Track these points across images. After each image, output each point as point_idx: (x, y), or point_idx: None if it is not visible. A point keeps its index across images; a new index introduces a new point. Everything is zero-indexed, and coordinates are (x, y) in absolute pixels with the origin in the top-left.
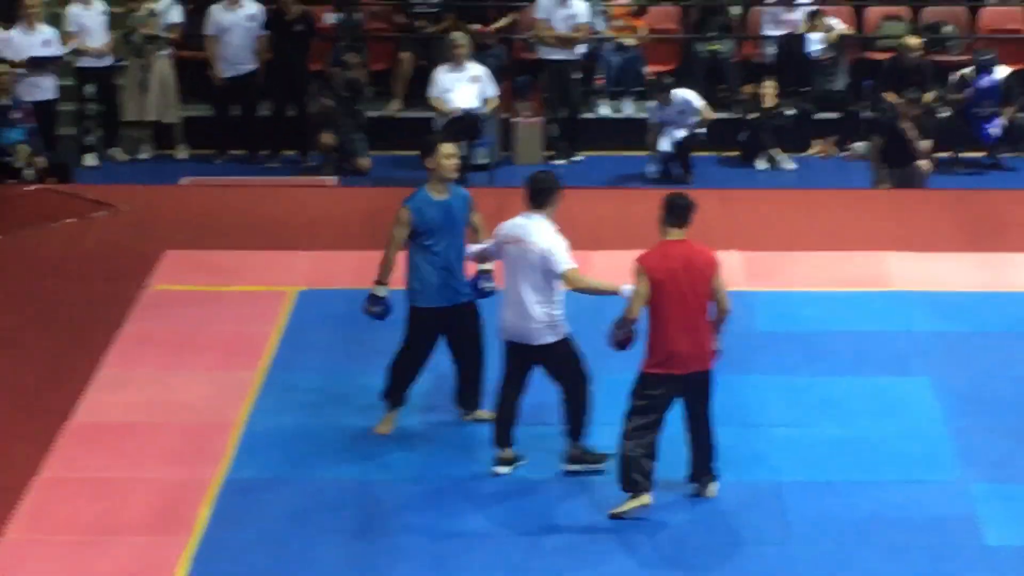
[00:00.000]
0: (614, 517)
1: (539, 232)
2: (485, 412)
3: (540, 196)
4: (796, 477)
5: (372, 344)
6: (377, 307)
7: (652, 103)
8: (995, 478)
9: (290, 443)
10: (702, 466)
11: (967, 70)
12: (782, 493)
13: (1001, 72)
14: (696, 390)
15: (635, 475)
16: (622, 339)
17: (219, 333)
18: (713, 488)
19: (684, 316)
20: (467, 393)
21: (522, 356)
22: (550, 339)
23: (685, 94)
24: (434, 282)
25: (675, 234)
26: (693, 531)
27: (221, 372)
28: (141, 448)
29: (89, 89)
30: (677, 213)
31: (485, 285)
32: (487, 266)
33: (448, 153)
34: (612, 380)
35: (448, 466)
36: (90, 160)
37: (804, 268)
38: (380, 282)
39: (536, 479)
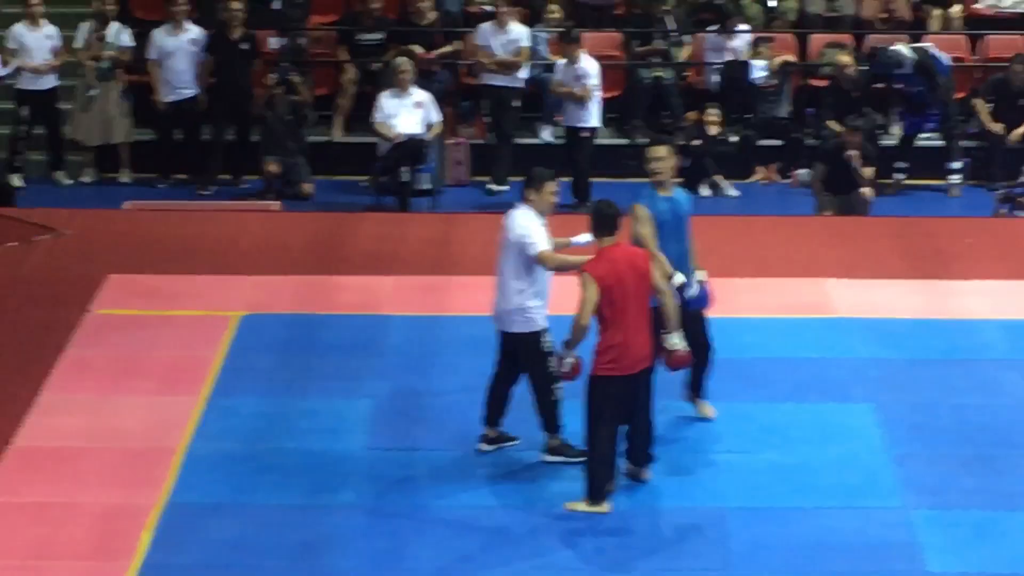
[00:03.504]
0: (569, 509)
1: (519, 219)
2: (707, 407)
3: (526, 185)
4: (738, 503)
5: (314, 370)
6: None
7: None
8: (936, 505)
9: (231, 469)
10: (642, 451)
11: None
12: (724, 519)
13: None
14: (644, 385)
15: (600, 483)
16: (571, 370)
17: (161, 358)
18: (648, 472)
19: (632, 317)
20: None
21: (503, 342)
22: (521, 329)
23: (590, 63)
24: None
25: (609, 240)
26: (634, 556)
27: (163, 397)
28: (82, 473)
29: (24, 111)
30: (605, 223)
31: (689, 293)
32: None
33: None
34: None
35: (391, 493)
36: (16, 181)
37: (746, 295)
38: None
39: (485, 504)
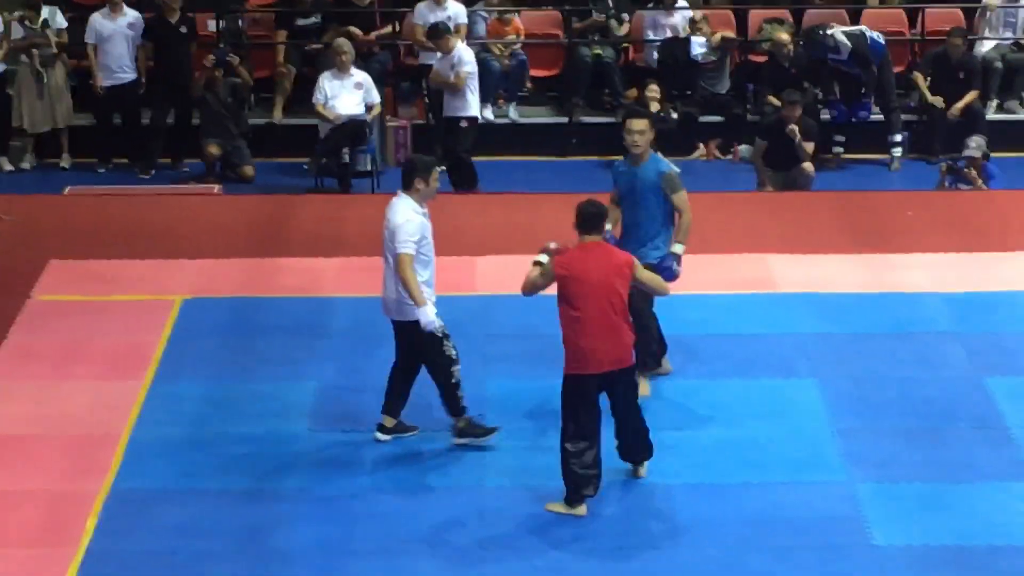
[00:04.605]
0: (548, 510)
1: (395, 211)
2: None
3: (404, 177)
4: (684, 480)
5: (258, 353)
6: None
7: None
8: (881, 478)
9: (176, 454)
10: (633, 450)
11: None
12: (670, 496)
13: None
14: (617, 387)
15: (575, 485)
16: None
17: (104, 343)
18: (643, 469)
19: (596, 316)
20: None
21: (396, 331)
22: (411, 316)
23: (466, 52)
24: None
25: (590, 239)
26: (582, 534)
27: (106, 383)
28: (26, 460)
29: None
30: (586, 220)
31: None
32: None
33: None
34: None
35: (337, 477)
36: None
37: (689, 271)
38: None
39: (431, 486)
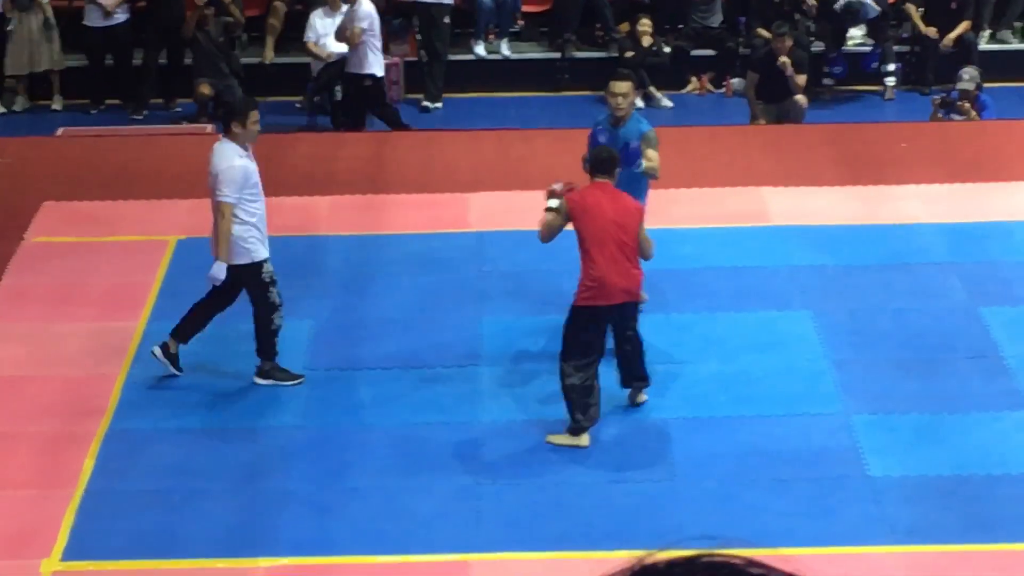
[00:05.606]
0: (548, 442)
1: (218, 156)
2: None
3: (223, 120)
4: (680, 414)
5: None
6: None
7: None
8: (876, 410)
9: (173, 393)
10: (633, 377)
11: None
12: (667, 430)
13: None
14: (624, 316)
15: (579, 416)
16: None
17: (99, 284)
18: (644, 395)
19: (610, 249)
20: None
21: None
22: (240, 260)
23: (367, 6)
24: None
25: (601, 179)
26: (579, 469)
27: (102, 323)
28: (23, 402)
29: None
30: (599, 163)
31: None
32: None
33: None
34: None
35: (333, 415)
36: None
37: (683, 205)
38: None
39: (427, 423)
